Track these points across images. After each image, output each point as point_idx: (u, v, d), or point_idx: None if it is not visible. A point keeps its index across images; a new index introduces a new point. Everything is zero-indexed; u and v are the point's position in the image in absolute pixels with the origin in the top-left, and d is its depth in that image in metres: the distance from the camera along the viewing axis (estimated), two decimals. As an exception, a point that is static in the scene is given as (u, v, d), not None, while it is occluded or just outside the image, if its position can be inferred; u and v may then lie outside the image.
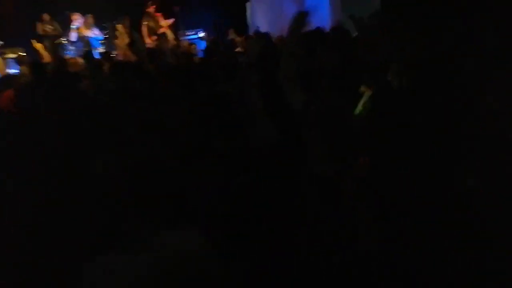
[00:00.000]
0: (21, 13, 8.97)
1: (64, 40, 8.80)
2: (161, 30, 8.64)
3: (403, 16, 5.59)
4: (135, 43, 6.13)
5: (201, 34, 7.83)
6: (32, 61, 4.81)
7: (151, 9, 8.66)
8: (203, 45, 8.93)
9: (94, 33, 8.85)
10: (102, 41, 8.98)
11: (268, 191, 1.83)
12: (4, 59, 7.52)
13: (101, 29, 9.19)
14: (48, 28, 8.88)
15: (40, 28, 8.81)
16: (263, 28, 8.39)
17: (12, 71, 6.48)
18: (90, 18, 8.94)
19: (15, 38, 8.66)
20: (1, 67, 6.03)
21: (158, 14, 8.77)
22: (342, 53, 3.82)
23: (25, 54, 7.72)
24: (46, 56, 6.25)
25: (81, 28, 8.63)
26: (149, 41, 8.77)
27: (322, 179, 1.54)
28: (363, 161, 1.21)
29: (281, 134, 2.18)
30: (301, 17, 2.28)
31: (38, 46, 6.59)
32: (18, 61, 6.41)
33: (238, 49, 6.40)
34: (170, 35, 8.54)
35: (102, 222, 1.30)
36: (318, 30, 5.24)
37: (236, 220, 1.75)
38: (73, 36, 8.65)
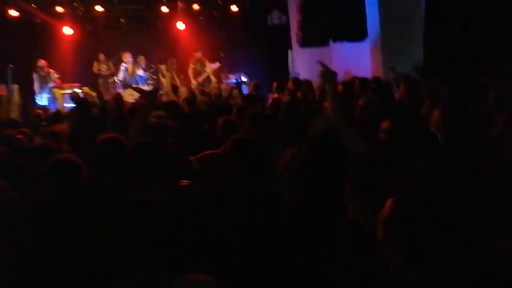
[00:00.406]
0: (80, 51, 9.78)
1: (117, 79, 9.41)
2: (206, 74, 9.11)
3: (444, 70, 5.66)
4: (177, 88, 6.52)
5: (244, 79, 8.14)
6: (78, 99, 5.15)
7: (198, 53, 9.19)
8: (244, 89, 9.31)
9: (140, 72, 9.42)
10: (147, 80, 9.50)
11: (297, 242, 1.82)
12: (62, 94, 8.18)
13: (149, 69, 9.78)
14: (103, 67, 9.60)
15: (96, 67, 9.54)
16: (303, 75, 8.67)
17: (70, 105, 6.98)
18: (141, 59, 9.58)
19: (73, 75, 9.42)
20: (61, 100, 6.52)
21: (204, 58, 9.28)
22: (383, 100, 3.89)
23: (79, 90, 8.30)
24: (95, 95, 6.68)
25: (129, 67, 9.21)
26: (194, 83, 9.25)
27: (356, 227, 1.52)
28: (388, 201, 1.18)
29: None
30: (329, 75, 2.45)
31: (85, 89, 7.11)
32: (72, 97, 6.91)
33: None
34: (213, 79, 8.97)
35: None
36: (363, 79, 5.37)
37: (259, 266, 1.75)
38: (121, 75, 9.25)
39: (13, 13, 8.67)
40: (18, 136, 3.49)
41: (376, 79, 5.51)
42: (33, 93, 8.64)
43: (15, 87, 6.33)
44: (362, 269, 1.37)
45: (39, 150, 2.51)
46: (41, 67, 8.62)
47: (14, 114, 5.70)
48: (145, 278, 1.30)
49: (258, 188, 1.90)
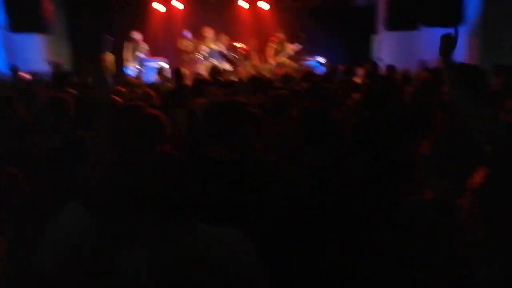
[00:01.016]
0: (169, 27, 10.36)
1: (198, 55, 9.81)
2: (287, 53, 9.09)
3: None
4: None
5: (322, 60, 7.97)
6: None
7: (280, 34, 9.18)
8: (323, 70, 9.16)
9: (222, 48, 9.68)
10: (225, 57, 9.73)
11: (357, 217, 1.79)
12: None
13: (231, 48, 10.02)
14: (188, 44, 10.07)
15: (181, 44, 10.04)
16: (388, 61, 8.21)
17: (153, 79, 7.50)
18: (224, 37, 9.86)
19: (161, 49, 10.03)
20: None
21: (285, 39, 9.25)
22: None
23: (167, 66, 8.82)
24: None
25: (210, 42, 9.52)
26: (272, 62, 9.31)
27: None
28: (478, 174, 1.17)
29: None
30: (451, 38, 2.13)
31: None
32: (158, 72, 7.42)
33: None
34: (289, 61, 8.92)
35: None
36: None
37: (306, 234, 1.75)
38: (204, 51, 9.62)
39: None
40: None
41: (471, 67, 5.02)
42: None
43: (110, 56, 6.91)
44: (444, 245, 1.35)
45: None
46: (136, 39, 9.31)
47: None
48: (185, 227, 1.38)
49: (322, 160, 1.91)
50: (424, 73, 5.66)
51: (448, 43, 2.12)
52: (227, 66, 9.64)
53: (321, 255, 1.74)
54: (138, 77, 7.73)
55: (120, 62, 9.09)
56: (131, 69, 9.13)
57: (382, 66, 8.10)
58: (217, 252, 1.34)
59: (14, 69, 5.99)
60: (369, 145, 2.12)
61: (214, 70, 6.12)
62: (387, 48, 9.20)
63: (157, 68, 7.78)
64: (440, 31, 7.23)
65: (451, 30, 2.25)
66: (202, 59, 9.66)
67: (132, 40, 9.33)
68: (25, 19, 6.30)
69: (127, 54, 9.35)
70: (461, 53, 6.71)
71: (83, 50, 9.60)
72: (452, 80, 2.08)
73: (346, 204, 1.80)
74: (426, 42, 8.31)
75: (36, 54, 8.13)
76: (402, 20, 7.32)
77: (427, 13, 6.55)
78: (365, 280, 1.55)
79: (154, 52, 9.87)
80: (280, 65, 9.00)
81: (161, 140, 2.09)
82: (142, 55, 9.37)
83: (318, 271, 1.74)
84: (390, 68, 6.69)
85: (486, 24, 6.04)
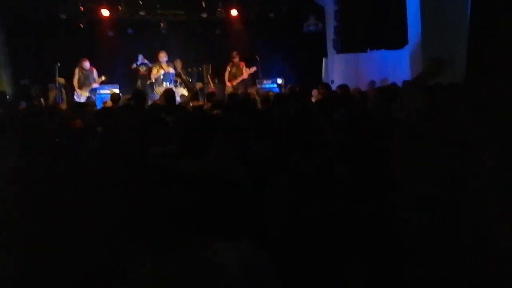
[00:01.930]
0: (121, 53, 10.16)
1: (153, 81, 9.64)
2: (243, 77, 9.24)
3: (488, 79, 5.49)
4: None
5: (279, 81, 8.19)
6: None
7: (235, 57, 9.34)
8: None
9: (172, 72, 9.62)
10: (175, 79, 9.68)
11: (350, 216, 1.83)
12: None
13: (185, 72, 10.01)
14: (141, 68, 9.91)
15: (134, 66, 9.85)
16: (338, 81, 8.65)
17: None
18: (178, 62, 9.83)
19: (112, 76, 9.78)
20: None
21: (241, 62, 9.42)
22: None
23: (118, 91, 8.59)
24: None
25: (163, 65, 9.41)
26: (229, 85, 9.41)
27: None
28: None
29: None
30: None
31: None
32: (112, 97, 7.23)
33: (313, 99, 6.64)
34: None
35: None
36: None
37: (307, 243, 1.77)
38: (154, 75, 9.47)
39: (62, 15, 9.15)
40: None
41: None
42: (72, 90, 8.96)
43: (61, 80, 6.67)
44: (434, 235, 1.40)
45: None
46: (85, 67, 8.98)
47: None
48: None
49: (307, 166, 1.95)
50: (374, 91, 6.01)
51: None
52: (182, 91, 9.63)
53: (316, 261, 1.75)
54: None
55: (71, 90, 8.74)
56: (82, 97, 8.79)
57: (334, 87, 8.54)
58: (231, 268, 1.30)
59: None
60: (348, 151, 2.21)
61: (169, 94, 5.31)
62: (336, 70, 9.69)
63: (109, 94, 7.57)
64: (384, 53, 7.70)
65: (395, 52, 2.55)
66: (156, 84, 9.53)
67: (81, 67, 9.01)
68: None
69: (76, 82, 8.98)
70: (404, 73, 7.24)
71: (29, 79, 9.19)
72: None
73: (334, 208, 1.84)
74: (373, 63, 8.89)
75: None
76: (351, 43, 7.80)
77: (374, 37, 7.03)
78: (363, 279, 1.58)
79: (105, 81, 9.58)
80: (236, 88, 9.11)
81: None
82: (94, 84, 9.05)
83: (315, 277, 1.74)
84: (343, 87, 7.03)
85: (427, 45, 6.59)
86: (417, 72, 6.83)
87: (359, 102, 4.34)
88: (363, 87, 8.19)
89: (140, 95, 4.98)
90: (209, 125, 1.98)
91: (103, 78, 9.10)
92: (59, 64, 8.01)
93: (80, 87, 8.91)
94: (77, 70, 8.85)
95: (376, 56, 8.48)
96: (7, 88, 9.02)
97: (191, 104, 6.30)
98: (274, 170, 2.04)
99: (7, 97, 7.37)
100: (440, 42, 6.45)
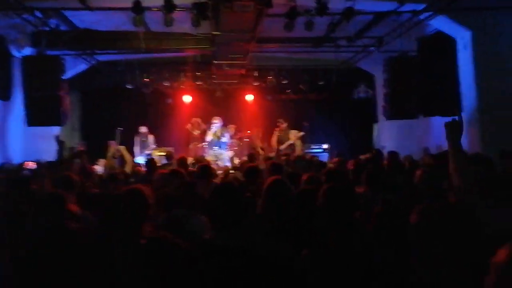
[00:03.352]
0: (180, 119, 10.86)
1: (205, 144, 10.11)
2: (290, 141, 9.37)
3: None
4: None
5: (325, 146, 8.12)
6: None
7: (284, 123, 9.57)
8: (325, 156, 9.40)
9: (226, 138, 10.03)
10: (230, 145, 10.08)
11: None
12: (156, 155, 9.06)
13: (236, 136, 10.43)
14: (195, 131, 10.45)
15: (190, 128, 10.42)
16: (390, 147, 8.42)
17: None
18: (231, 127, 10.28)
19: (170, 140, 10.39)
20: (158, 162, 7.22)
21: (288, 128, 9.60)
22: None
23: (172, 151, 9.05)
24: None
25: (217, 130, 9.88)
26: (276, 148, 9.55)
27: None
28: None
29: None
30: (456, 125, 2.18)
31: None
32: (167, 156, 7.62)
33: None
34: (298, 145, 9.16)
35: None
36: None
37: None
38: (209, 138, 9.95)
39: (129, 85, 10.14)
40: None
41: (475, 155, 5.11)
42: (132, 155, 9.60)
43: (122, 147, 7.17)
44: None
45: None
46: (143, 133, 9.68)
47: (128, 169, 6.41)
48: None
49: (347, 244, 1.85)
50: (428, 159, 5.74)
51: (454, 129, 2.18)
52: (230, 153, 9.94)
53: None
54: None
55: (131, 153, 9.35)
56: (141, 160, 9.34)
57: (385, 152, 8.32)
58: None
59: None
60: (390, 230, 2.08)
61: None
62: (388, 136, 9.50)
63: (165, 155, 7.98)
64: (440, 118, 7.41)
65: (454, 117, 2.32)
66: (207, 147, 9.93)
67: (139, 133, 9.71)
68: (44, 113, 6.71)
69: (135, 147, 9.64)
70: (462, 141, 6.90)
71: (94, 142, 10.05)
72: (461, 164, 2.11)
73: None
74: (426, 129, 8.62)
75: (50, 144, 8.45)
76: (402, 110, 7.69)
77: (426, 103, 6.89)
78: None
79: (161, 143, 10.18)
80: (286, 150, 9.20)
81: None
82: (149, 148, 9.65)
83: None
84: (393, 154, 6.80)
85: (483, 113, 6.32)
86: (474, 140, 6.51)
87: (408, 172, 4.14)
88: (416, 153, 7.90)
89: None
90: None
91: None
92: (121, 129, 8.68)
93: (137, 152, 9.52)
94: (136, 137, 9.54)
95: (429, 121, 8.25)
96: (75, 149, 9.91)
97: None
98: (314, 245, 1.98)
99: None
100: (497, 108, 6.17)
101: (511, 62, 6.21)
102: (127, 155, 6.89)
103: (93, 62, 9.01)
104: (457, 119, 2.23)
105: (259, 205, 2.63)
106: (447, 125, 2.21)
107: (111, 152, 7.28)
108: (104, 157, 7.82)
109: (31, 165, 5.57)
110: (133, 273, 1.83)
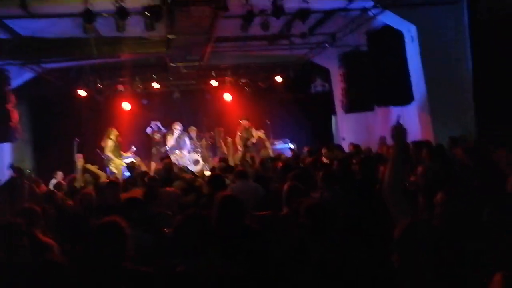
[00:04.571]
0: (137, 123, 10.56)
1: (167, 146, 9.92)
2: (253, 140, 9.43)
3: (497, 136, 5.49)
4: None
5: (291, 146, 8.21)
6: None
7: (245, 121, 9.61)
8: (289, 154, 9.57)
9: (187, 142, 9.96)
10: (195, 148, 10.03)
11: None
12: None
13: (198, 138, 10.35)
14: (156, 136, 10.24)
15: (151, 134, 10.19)
16: (349, 139, 8.73)
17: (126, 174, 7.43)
18: (192, 129, 10.18)
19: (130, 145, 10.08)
20: (119, 172, 6.97)
21: (251, 126, 9.66)
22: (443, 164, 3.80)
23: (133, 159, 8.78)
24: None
25: (178, 136, 9.78)
26: (241, 149, 9.57)
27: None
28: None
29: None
30: (400, 128, 2.35)
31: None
32: (128, 167, 7.39)
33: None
34: (268, 144, 9.25)
35: None
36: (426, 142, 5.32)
37: None
38: (171, 141, 9.82)
39: (82, 93, 9.68)
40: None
41: (427, 143, 5.43)
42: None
43: (88, 165, 6.86)
44: None
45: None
46: (117, 136, 9.17)
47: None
48: None
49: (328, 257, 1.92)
50: (389, 149, 6.00)
51: (399, 131, 2.36)
52: (196, 156, 9.85)
53: None
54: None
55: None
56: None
57: (344, 144, 8.61)
58: None
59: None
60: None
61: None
62: (346, 127, 9.82)
63: (127, 165, 7.74)
64: (394, 108, 7.70)
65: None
66: (169, 150, 9.78)
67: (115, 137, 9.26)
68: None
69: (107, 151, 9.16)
70: (414, 129, 7.30)
71: (48, 154, 9.55)
72: (398, 163, 2.26)
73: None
74: (383, 119, 9.01)
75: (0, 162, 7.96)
76: (358, 103, 7.99)
77: (381, 95, 7.20)
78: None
79: (124, 148, 9.85)
80: (248, 151, 9.23)
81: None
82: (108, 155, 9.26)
83: None
84: (356, 147, 7.06)
85: (432, 101, 6.71)
86: (426, 128, 6.90)
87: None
88: (374, 143, 8.24)
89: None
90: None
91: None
92: (77, 140, 8.30)
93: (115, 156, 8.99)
94: (108, 140, 9.01)
95: (384, 112, 8.62)
96: (29, 165, 9.37)
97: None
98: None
99: (28, 171, 7.56)
100: (445, 97, 6.57)
101: (454, 52, 6.63)
102: (96, 170, 6.65)
103: (40, 70, 8.51)
104: (398, 120, 2.43)
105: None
106: (393, 128, 2.41)
107: (80, 166, 6.94)
108: (59, 169, 7.43)
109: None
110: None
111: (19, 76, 7.99)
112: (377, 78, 7.12)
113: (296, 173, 3.76)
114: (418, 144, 4.99)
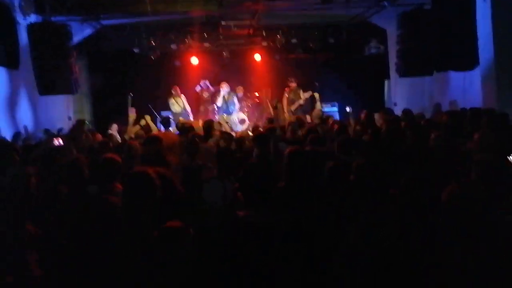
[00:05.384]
0: (188, 81, 10.77)
1: (216, 105, 10.08)
2: (301, 101, 9.30)
3: None
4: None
5: (348, 109, 7.80)
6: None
7: (293, 83, 9.45)
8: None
9: (236, 101, 10.04)
10: (241, 108, 10.13)
11: None
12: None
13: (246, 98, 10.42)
14: (205, 94, 10.40)
15: (200, 93, 10.38)
16: (402, 105, 8.32)
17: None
18: (240, 89, 10.22)
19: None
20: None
21: (299, 88, 9.48)
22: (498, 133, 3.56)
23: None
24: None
25: (226, 97, 9.89)
26: (287, 110, 9.50)
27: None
28: None
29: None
30: None
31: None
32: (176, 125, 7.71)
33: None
34: (318, 105, 9.10)
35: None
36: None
37: None
38: (219, 101, 9.94)
39: (136, 49, 9.97)
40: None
41: (490, 111, 5.05)
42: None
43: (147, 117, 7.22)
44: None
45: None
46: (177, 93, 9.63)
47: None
48: None
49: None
50: (443, 117, 5.67)
51: None
52: (242, 115, 9.95)
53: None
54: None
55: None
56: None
57: (397, 110, 8.21)
58: None
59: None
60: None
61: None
62: (399, 93, 9.35)
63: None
64: (453, 75, 7.24)
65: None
66: (217, 109, 9.94)
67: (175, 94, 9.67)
68: (56, 82, 6.69)
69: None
70: (475, 97, 6.80)
71: (104, 107, 10.11)
72: None
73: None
74: (439, 85, 8.47)
75: (61, 112, 8.53)
76: (415, 66, 7.50)
77: (441, 59, 6.72)
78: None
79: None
80: (295, 113, 9.14)
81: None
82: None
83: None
84: (408, 112, 6.71)
85: (501, 68, 6.15)
86: (490, 96, 6.39)
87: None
88: (429, 110, 7.82)
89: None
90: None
91: None
92: (131, 95, 8.65)
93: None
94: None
95: (443, 78, 8.08)
96: (87, 117, 9.98)
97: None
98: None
99: (87, 123, 8.09)
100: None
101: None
102: (152, 124, 7.02)
103: (98, 26, 8.82)
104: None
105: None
106: None
107: (132, 119, 7.37)
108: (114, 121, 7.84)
109: (56, 141, 5.64)
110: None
111: (80, 32, 8.34)
112: (440, 39, 6.61)
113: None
114: (476, 111, 4.67)
